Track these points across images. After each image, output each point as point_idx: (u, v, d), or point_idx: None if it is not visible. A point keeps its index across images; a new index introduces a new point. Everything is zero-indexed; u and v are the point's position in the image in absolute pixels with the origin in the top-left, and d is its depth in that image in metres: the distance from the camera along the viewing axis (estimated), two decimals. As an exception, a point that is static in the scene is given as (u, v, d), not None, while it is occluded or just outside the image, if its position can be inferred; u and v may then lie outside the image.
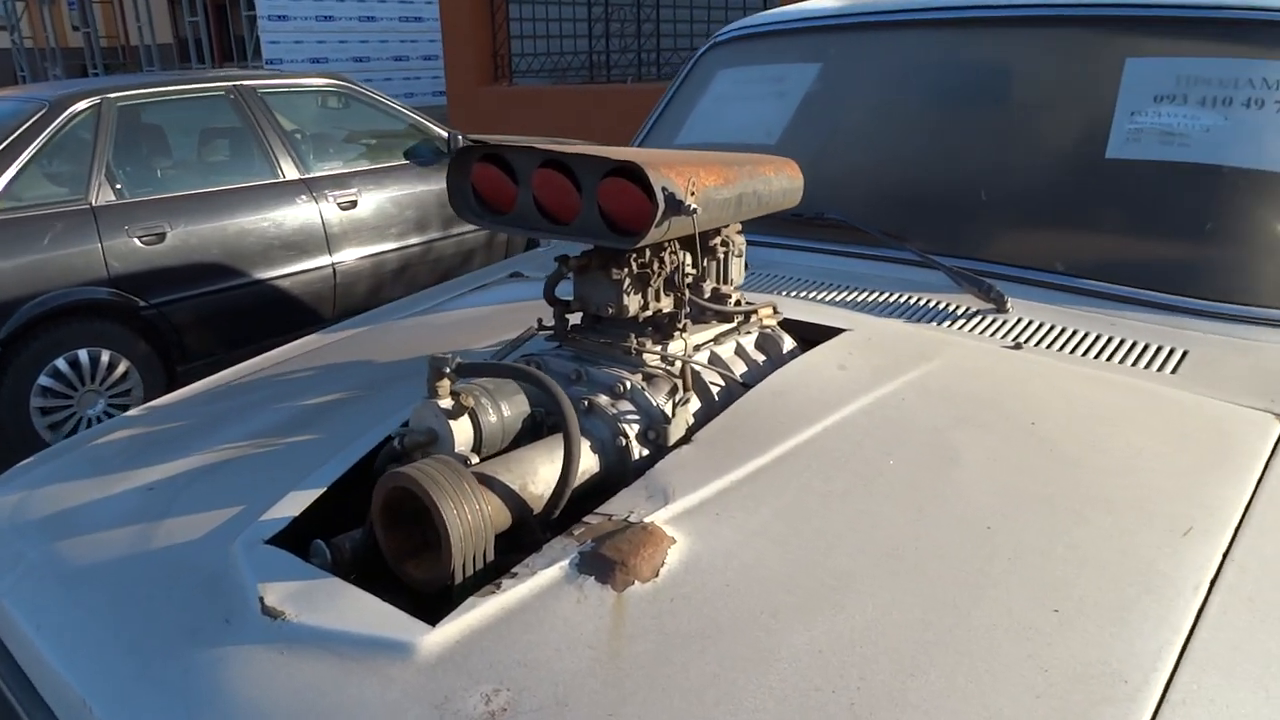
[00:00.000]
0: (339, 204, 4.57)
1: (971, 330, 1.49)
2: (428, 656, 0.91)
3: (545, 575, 1.00)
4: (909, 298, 1.60)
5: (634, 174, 1.13)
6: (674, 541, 1.03)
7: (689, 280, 1.32)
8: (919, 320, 1.53)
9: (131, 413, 1.63)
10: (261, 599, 1.01)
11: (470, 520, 1.01)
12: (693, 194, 1.17)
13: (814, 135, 2.01)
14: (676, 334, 1.32)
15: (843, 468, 1.14)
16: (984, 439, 1.18)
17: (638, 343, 1.29)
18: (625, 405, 1.24)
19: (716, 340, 1.39)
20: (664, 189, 1.12)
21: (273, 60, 13.70)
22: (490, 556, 1.04)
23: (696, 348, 1.35)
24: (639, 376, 1.26)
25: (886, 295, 1.61)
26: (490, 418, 1.18)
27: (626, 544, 1.02)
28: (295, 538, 1.14)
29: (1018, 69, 1.84)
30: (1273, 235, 1.51)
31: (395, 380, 1.51)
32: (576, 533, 1.06)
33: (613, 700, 0.84)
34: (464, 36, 11.17)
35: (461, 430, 1.16)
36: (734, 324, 1.42)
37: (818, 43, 2.13)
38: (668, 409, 1.24)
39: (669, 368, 1.29)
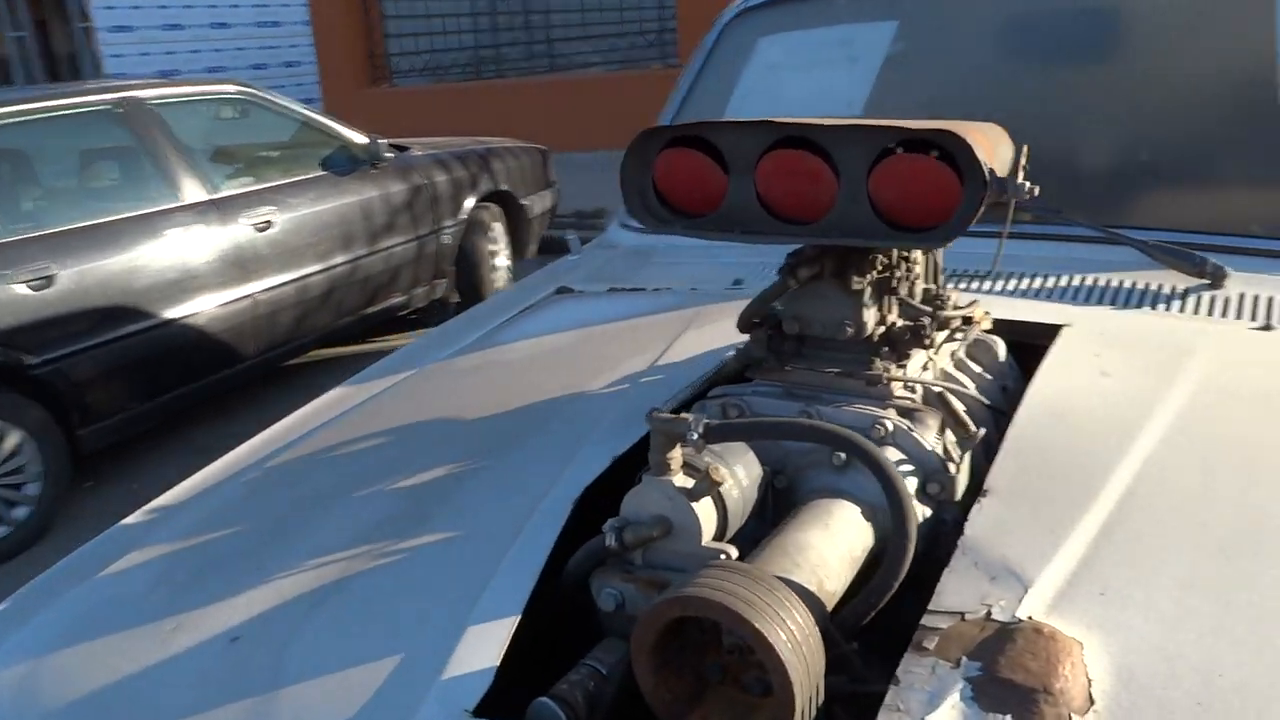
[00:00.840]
0: (253, 226, 4.06)
1: (1199, 312, 1.25)
2: None
3: None
4: (1102, 280, 1.35)
5: (930, 146, 0.84)
6: (1082, 646, 0.74)
7: (938, 285, 1.04)
8: (1132, 306, 1.29)
9: (137, 518, 1.21)
10: None
11: (805, 652, 0.70)
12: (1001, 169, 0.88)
13: (911, 103, 1.75)
14: (915, 352, 1.03)
15: (1213, 506, 0.87)
16: None
17: (882, 367, 1.00)
18: (891, 453, 0.94)
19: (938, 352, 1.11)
20: (988, 167, 0.83)
21: (118, 76, 12.58)
22: (823, 695, 0.73)
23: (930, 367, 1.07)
24: (892, 412, 0.97)
25: (1073, 279, 1.36)
26: (734, 493, 0.87)
27: (1030, 659, 0.73)
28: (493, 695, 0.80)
29: (1157, 7, 1.61)
30: None
31: (513, 441, 1.17)
32: (930, 646, 0.76)
33: None
34: (337, 38, 10.49)
35: (707, 515, 0.84)
36: (951, 332, 1.14)
37: None
38: (943, 452, 0.95)
39: (911, 396, 1.00)
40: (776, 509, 0.96)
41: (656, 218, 0.99)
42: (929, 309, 1.06)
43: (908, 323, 1.03)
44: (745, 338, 1.32)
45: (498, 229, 5.29)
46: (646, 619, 0.74)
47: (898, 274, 1.01)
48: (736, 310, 1.44)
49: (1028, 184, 0.89)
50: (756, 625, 0.69)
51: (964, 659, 0.74)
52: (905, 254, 1.02)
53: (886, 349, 1.02)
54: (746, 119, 0.92)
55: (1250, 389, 1.07)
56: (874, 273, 0.98)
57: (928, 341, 1.01)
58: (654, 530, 0.85)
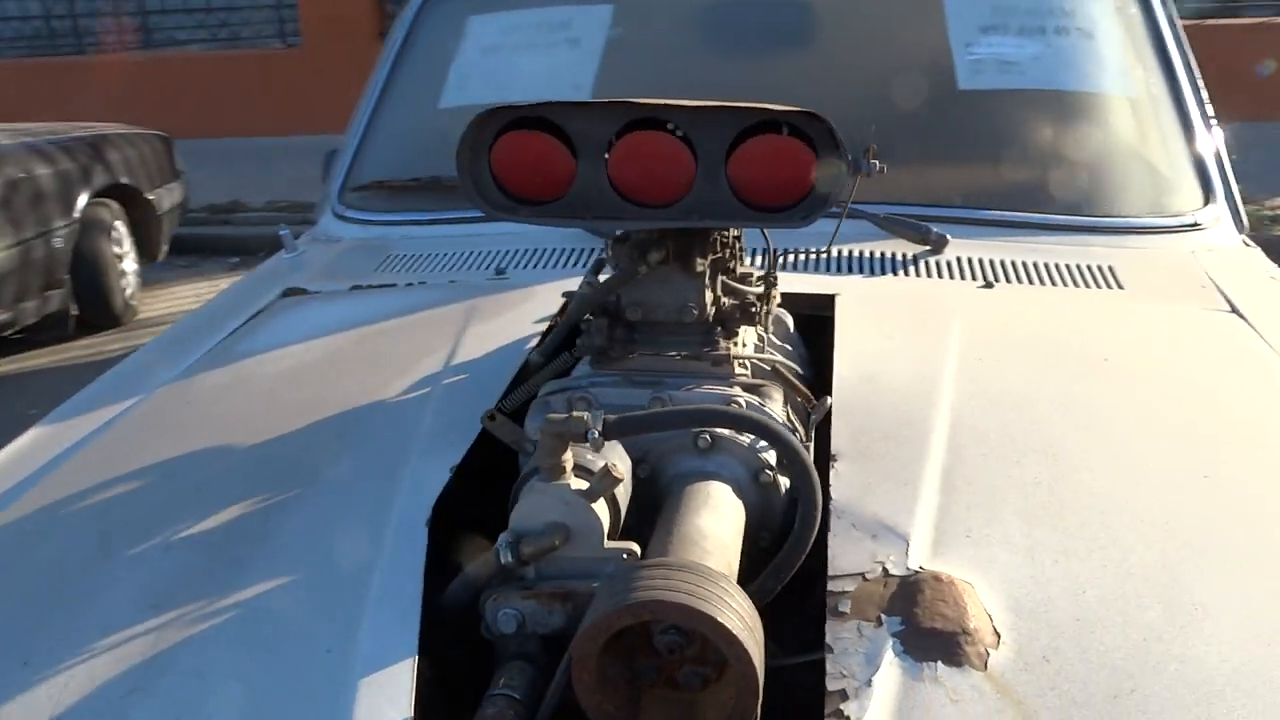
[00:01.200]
0: None
1: (930, 275, 1.42)
2: None
3: (883, 683, 0.73)
4: (846, 251, 1.48)
5: (782, 127, 0.85)
6: (972, 586, 0.81)
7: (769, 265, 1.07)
8: (882, 273, 1.43)
9: None
10: None
11: (756, 636, 0.70)
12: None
13: (638, 88, 1.78)
14: (745, 330, 1.06)
15: (1016, 444, 1.00)
16: (1104, 388, 1.12)
17: (724, 347, 1.01)
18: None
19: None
20: (844, 145, 0.86)
21: None
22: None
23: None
24: (739, 390, 0.99)
25: (817, 253, 1.47)
26: (622, 489, 0.84)
27: (942, 605, 0.78)
28: None
29: (847, 6, 1.78)
30: (1123, 150, 1.65)
31: (318, 464, 1.03)
32: (846, 609, 0.79)
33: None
34: None
35: (604, 515, 0.81)
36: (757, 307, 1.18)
37: None
38: (796, 424, 0.99)
39: (746, 372, 1.03)
40: (640, 500, 0.94)
41: (496, 206, 0.92)
42: (755, 289, 1.09)
43: (736, 302, 1.05)
44: (535, 329, 1.29)
45: (120, 229, 4.63)
46: (590, 632, 0.69)
47: (728, 254, 1.03)
48: (512, 301, 1.39)
49: (876, 162, 0.94)
50: (719, 619, 0.67)
51: (883, 616, 0.78)
52: (738, 234, 1.04)
53: (720, 329, 1.04)
54: (599, 99, 0.88)
55: (1005, 338, 1.23)
56: (713, 254, 0.99)
57: (757, 319, 1.04)
58: (555, 539, 0.79)
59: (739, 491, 0.92)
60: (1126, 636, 0.76)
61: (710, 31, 1.82)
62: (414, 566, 0.85)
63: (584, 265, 1.46)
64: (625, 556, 0.81)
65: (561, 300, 1.32)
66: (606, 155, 0.89)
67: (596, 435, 0.79)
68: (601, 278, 1.07)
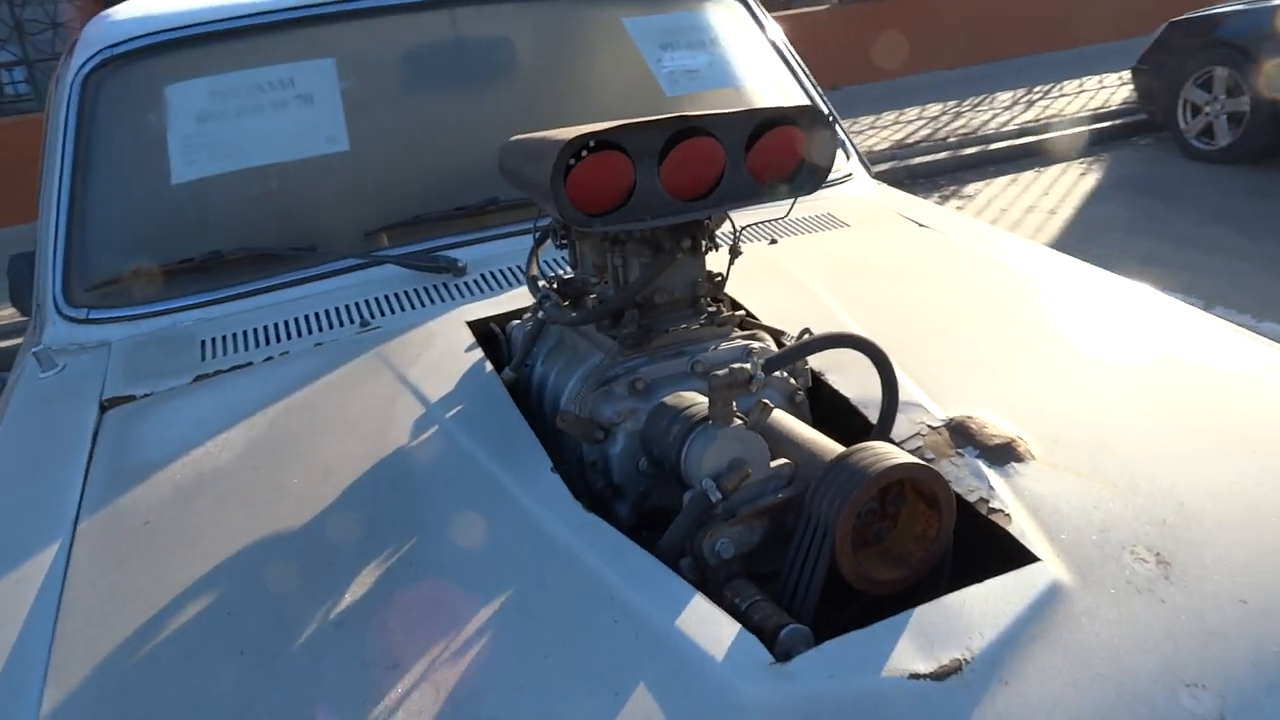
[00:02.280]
0: None
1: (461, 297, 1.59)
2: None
3: (998, 481, 1.01)
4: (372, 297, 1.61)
5: (786, 120, 1.08)
6: (983, 417, 1.13)
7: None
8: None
9: None
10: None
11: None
12: None
13: (388, 131, 1.83)
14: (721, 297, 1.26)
15: (920, 330, 1.34)
16: (928, 286, 1.52)
17: (720, 311, 1.21)
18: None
19: None
20: (831, 124, 1.10)
21: None
22: None
23: None
24: (752, 340, 1.19)
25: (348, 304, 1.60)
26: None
27: (987, 431, 1.09)
28: None
29: (551, 40, 1.99)
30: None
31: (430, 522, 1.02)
32: (931, 457, 1.06)
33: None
34: None
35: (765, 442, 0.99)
36: None
37: (267, 44, 1.87)
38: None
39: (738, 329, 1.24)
40: None
41: (581, 222, 1.01)
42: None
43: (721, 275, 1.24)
44: (470, 355, 1.34)
45: None
46: (849, 510, 0.87)
47: (717, 232, 1.21)
48: (417, 339, 1.40)
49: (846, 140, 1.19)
50: (928, 466, 0.90)
51: (959, 450, 1.06)
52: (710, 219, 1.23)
53: (704, 299, 1.22)
54: (645, 119, 1.02)
55: (840, 269, 1.59)
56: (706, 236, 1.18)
57: (723, 285, 1.25)
58: (745, 470, 0.95)
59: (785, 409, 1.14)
60: (1086, 409, 1.13)
61: (434, 72, 1.93)
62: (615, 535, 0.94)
63: (396, 310, 1.56)
64: (787, 466, 0.99)
65: (525, 307, 1.43)
66: (659, 164, 1.03)
67: (761, 375, 0.96)
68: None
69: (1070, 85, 8.32)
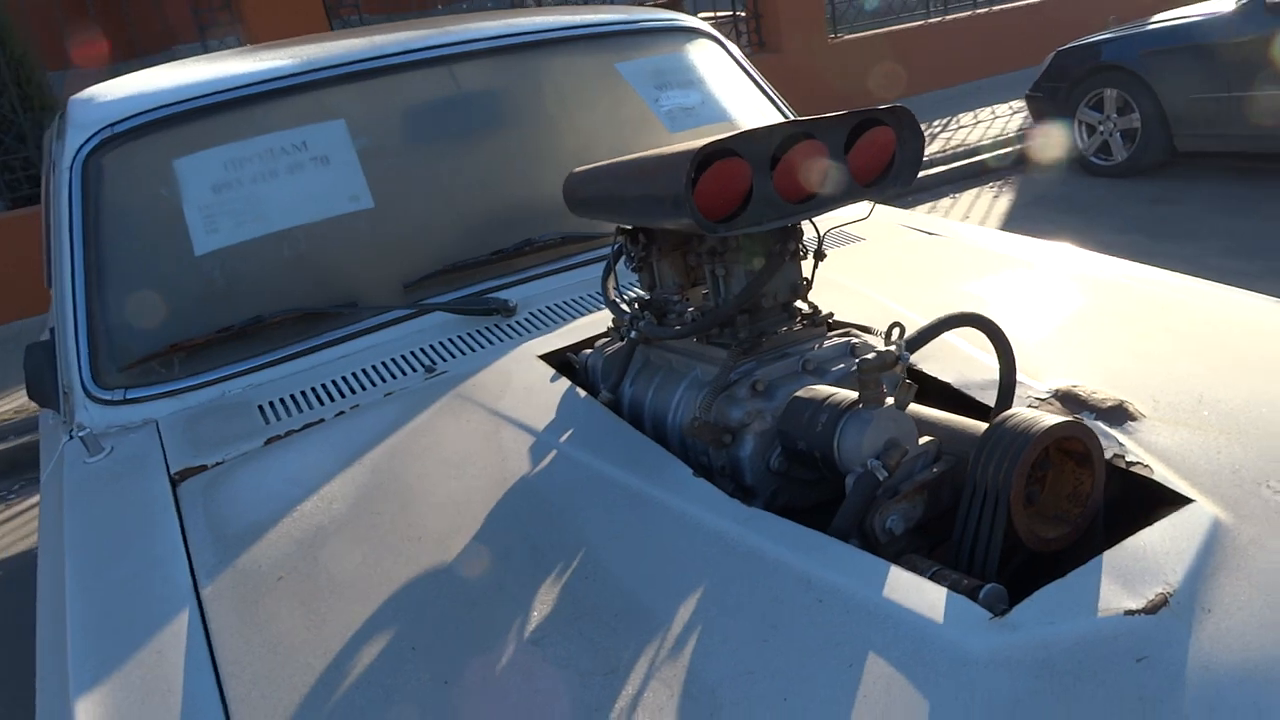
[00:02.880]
0: None
1: (524, 335, 1.60)
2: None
3: (1123, 438, 1.06)
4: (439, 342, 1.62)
5: (880, 121, 1.13)
6: (1082, 384, 1.19)
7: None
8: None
9: None
10: None
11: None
12: None
13: (405, 184, 1.83)
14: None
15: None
16: (991, 280, 1.58)
17: (808, 309, 1.25)
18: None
19: None
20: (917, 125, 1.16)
21: None
22: None
23: None
24: (854, 339, 1.24)
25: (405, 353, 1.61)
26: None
27: (1094, 398, 1.14)
28: None
29: (539, 91, 2.03)
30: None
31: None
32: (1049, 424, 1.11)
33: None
34: None
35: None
36: None
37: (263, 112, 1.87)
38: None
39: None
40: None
41: (711, 229, 1.04)
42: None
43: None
44: (550, 384, 1.34)
45: None
46: (1020, 470, 0.90)
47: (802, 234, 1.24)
48: (488, 379, 1.40)
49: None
50: (1084, 425, 0.94)
51: (1078, 417, 1.11)
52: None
53: (796, 303, 1.26)
54: (760, 125, 1.06)
55: (903, 273, 1.67)
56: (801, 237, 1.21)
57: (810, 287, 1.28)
58: (902, 447, 0.98)
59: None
60: (1164, 371, 1.20)
61: (445, 124, 1.94)
62: (786, 523, 0.96)
63: (458, 354, 1.55)
64: (931, 443, 1.02)
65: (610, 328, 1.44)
66: (772, 169, 1.07)
67: (907, 355, 0.99)
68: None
69: (967, 117, 8.77)
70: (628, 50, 2.15)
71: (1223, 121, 5.75)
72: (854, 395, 1.03)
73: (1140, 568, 0.86)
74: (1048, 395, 1.18)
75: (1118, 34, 6.41)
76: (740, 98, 2.23)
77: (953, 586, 0.87)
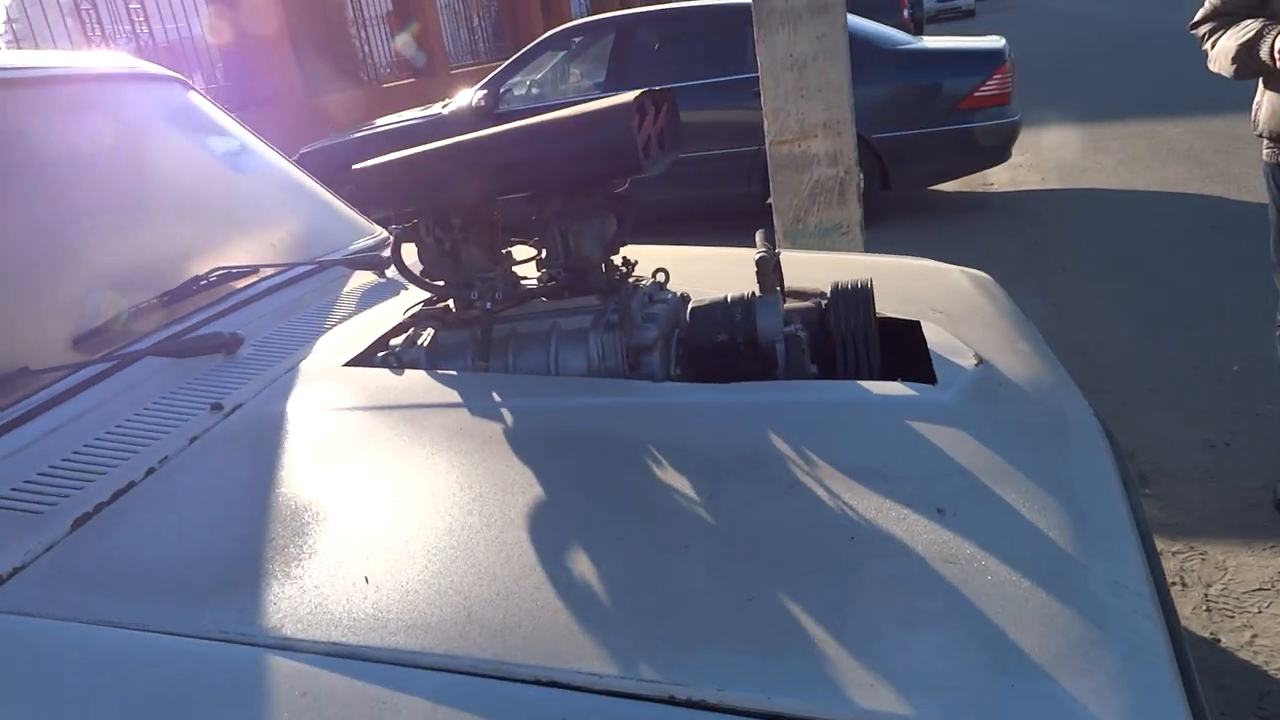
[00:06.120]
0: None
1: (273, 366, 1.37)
2: None
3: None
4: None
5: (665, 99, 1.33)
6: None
7: None
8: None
9: None
10: None
11: None
12: None
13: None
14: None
15: None
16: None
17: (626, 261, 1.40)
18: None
19: None
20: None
21: None
22: None
23: None
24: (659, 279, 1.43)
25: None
26: None
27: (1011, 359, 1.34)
28: None
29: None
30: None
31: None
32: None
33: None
34: None
35: None
36: None
37: None
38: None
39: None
40: None
41: (641, 168, 1.21)
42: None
43: None
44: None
45: None
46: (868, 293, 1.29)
47: None
48: (319, 393, 1.24)
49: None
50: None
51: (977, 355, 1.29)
52: None
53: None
54: (645, 89, 1.29)
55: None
56: None
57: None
58: (796, 318, 1.36)
59: None
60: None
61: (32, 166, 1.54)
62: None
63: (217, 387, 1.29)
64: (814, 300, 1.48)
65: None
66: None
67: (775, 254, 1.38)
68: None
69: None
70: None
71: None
72: (743, 293, 1.28)
73: (951, 344, 1.27)
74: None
75: (347, 138, 6.83)
76: (239, 134, 2.03)
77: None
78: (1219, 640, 2.11)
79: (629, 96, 1.21)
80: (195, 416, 1.20)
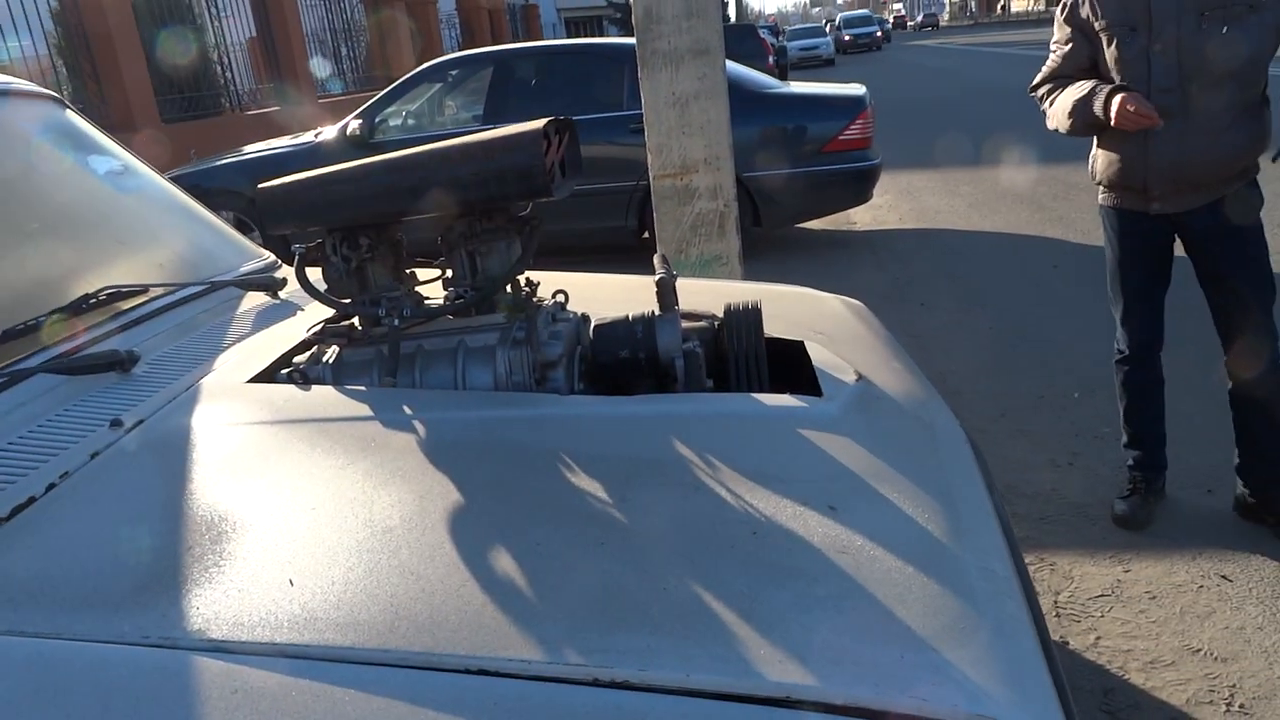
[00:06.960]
0: None
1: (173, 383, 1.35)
2: None
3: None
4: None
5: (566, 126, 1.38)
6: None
7: None
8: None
9: None
10: None
11: None
12: None
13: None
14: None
15: None
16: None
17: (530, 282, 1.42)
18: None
19: None
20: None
21: None
22: None
23: None
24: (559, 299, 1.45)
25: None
26: None
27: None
28: None
29: None
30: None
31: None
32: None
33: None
34: None
35: None
36: None
37: None
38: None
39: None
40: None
41: (549, 192, 1.26)
42: None
43: None
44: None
45: None
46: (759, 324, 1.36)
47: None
48: (220, 411, 1.22)
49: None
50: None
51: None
52: None
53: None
54: (550, 119, 1.30)
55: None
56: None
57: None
58: (695, 336, 1.43)
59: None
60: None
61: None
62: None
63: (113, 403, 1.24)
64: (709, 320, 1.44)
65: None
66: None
67: (673, 273, 1.39)
68: None
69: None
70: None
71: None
72: (643, 312, 1.33)
73: (834, 361, 1.36)
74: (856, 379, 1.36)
75: (216, 164, 6.85)
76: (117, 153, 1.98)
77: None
78: (1068, 643, 2.29)
79: (539, 123, 1.25)
80: (95, 432, 1.16)
